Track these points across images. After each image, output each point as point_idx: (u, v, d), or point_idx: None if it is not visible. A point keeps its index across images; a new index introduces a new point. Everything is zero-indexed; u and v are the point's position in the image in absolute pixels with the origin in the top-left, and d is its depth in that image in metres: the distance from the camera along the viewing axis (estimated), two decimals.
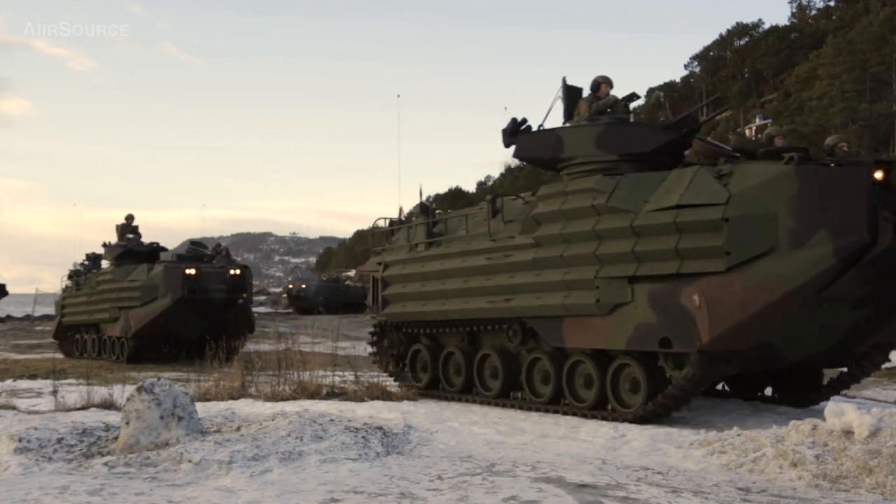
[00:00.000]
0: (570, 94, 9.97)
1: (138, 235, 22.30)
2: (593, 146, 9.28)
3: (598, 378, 9.11)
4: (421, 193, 13.76)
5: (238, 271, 20.58)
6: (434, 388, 11.64)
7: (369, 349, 13.14)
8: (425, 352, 11.82)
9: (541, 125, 10.11)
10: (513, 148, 10.23)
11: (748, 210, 7.67)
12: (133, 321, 19.80)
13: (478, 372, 10.81)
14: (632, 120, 9.95)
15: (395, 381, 12.43)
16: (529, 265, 9.60)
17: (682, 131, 9.24)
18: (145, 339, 19.87)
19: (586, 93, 9.89)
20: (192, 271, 19.54)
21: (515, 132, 10.17)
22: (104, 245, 22.51)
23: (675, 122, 9.49)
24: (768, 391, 10.43)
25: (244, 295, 20.58)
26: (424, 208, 12.30)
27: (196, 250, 21.90)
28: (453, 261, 10.86)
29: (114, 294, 20.68)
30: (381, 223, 13.26)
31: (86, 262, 26.65)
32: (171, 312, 19.22)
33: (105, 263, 26.45)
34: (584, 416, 9.18)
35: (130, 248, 21.60)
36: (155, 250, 21.97)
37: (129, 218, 22.51)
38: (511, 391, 10.48)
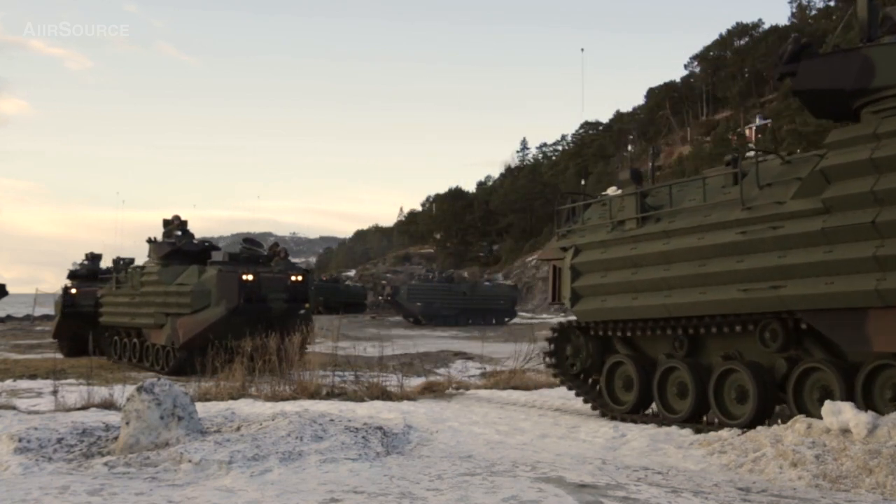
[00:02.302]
0: (873, 10, 7.80)
1: (189, 234, 19.98)
2: None
3: None
4: (630, 161, 11.37)
5: (300, 278, 18.09)
6: (639, 413, 9.33)
7: (546, 359, 10.61)
8: (630, 365, 9.45)
9: (836, 47, 7.93)
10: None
11: None
12: (181, 330, 17.47)
13: (715, 393, 8.38)
14: None
15: (585, 401, 10.06)
16: (813, 238, 7.24)
17: None
18: (194, 351, 17.02)
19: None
20: (250, 277, 17.22)
21: (797, 57, 7.85)
22: (149, 241, 20.14)
23: None
24: None
25: (307, 304, 18.22)
26: (636, 175, 9.65)
27: (251, 250, 19.34)
28: (684, 239, 8.46)
29: (160, 298, 18.35)
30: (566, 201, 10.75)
31: (85, 262, 26.72)
32: (224, 323, 16.73)
33: (103, 262, 26.37)
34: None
35: (179, 246, 19.34)
36: (206, 250, 19.59)
37: (176, 218, 20.43)
38: (765, 418, 8.01)
